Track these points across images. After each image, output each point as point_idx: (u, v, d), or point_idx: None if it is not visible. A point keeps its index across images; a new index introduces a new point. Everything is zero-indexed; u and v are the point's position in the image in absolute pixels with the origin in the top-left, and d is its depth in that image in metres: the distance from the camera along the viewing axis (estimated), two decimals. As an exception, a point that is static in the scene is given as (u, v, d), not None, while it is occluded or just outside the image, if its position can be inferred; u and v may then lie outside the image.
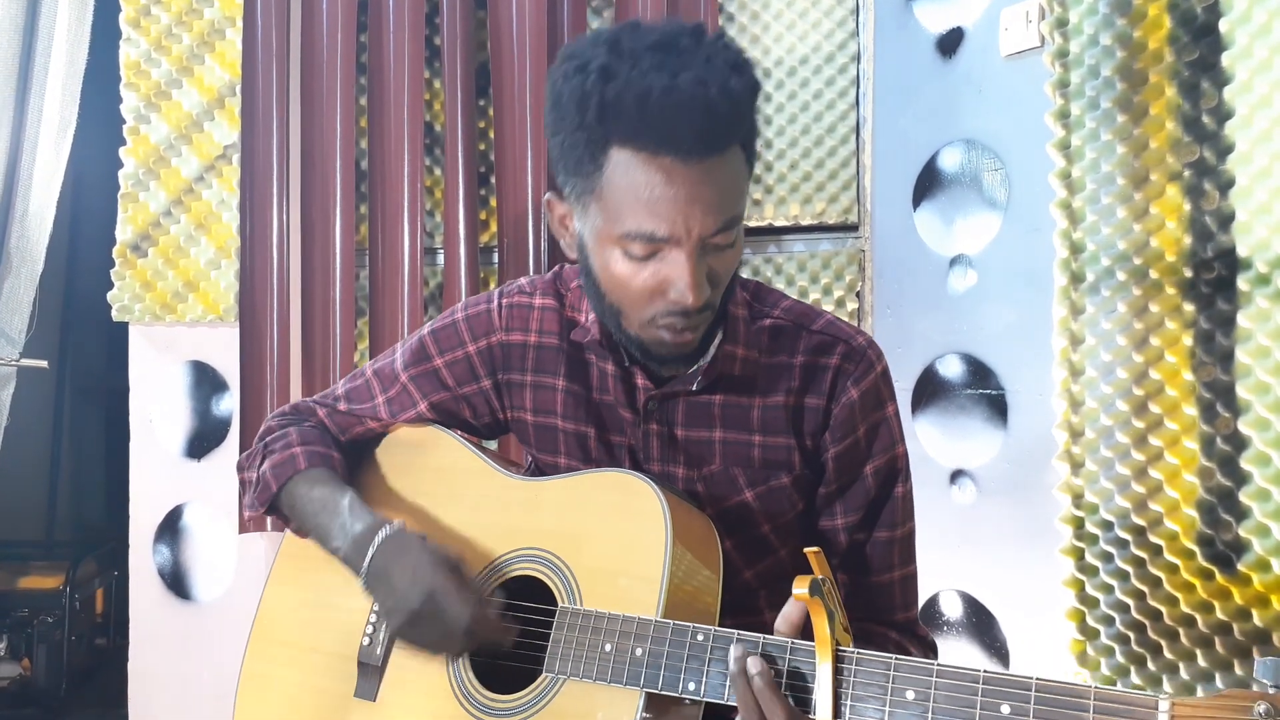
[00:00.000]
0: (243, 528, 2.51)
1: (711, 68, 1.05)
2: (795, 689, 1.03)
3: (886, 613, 1.28)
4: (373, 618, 1.31)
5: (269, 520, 2.48)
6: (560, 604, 1.18)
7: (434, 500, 1.35)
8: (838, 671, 1.00)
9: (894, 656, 0.99)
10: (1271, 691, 0.84)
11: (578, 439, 1.32)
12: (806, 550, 1.01)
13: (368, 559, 1.22)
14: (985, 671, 0.95)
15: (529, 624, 1.20)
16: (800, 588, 0.98)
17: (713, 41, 1.09)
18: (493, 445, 1.44)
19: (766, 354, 1.26)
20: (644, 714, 1.08)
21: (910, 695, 0.97)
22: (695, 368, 1.24)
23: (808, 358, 1.25)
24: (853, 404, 1.23)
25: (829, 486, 1.26)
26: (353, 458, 1.42)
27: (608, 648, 1.11)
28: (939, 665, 0.97)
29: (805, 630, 1.05)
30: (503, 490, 1.31)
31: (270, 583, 1.41)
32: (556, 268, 1.37)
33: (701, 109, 1.03)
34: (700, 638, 1.08)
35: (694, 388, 1.24)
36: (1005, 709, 0.93)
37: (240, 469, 1.44)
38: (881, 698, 0.98)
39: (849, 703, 0.99)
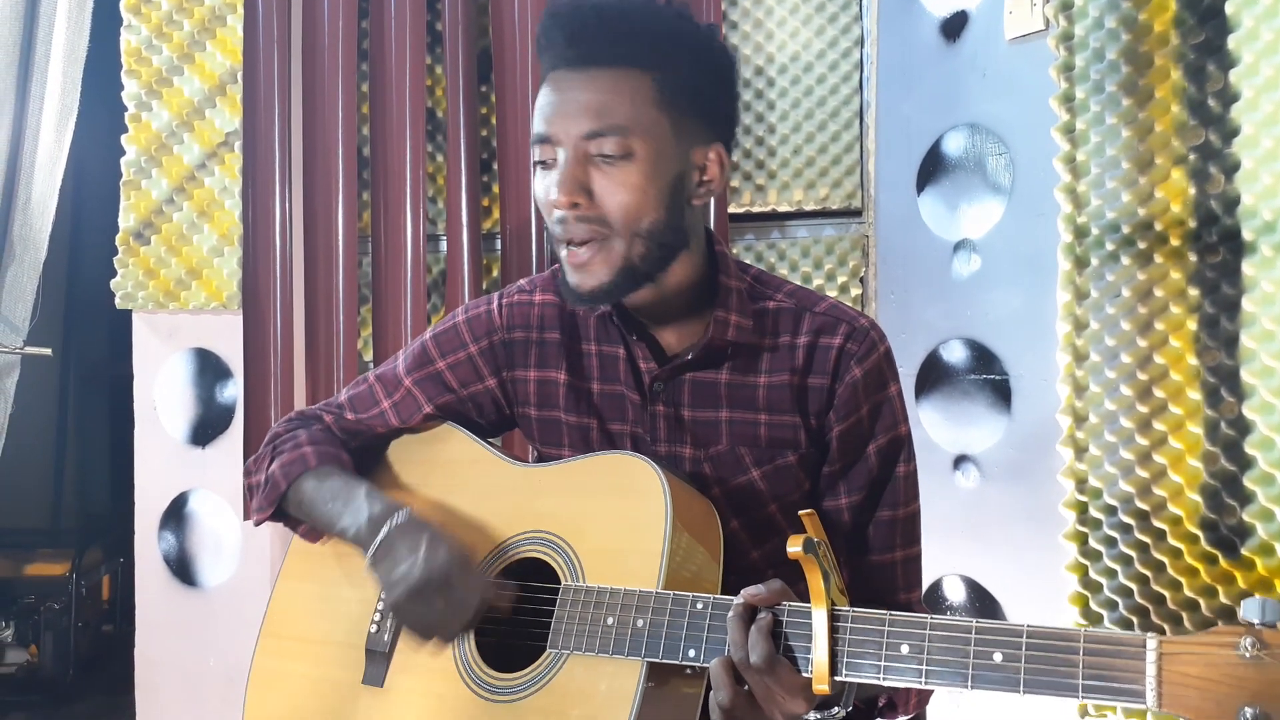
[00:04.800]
0: (248, 514, 2.51)
1: None
2: (790, 650, 1.03)
3: (888, 593, 1.29)
4: (380, 605, 1.31)
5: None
6: (564, 583, 1.19)
7: (442, 489, 1.37)
8: (834, 629, 1.01)
9: (889, 613, 1.01)
10: (1257, 627, 0.86)
11: (580, 431, 1.34)
12: (801, 513, 1.02)
13: (379, 538, 1.24)
14: (978, 622, 0.97)
15: (534, 603, 1.21)
16: (794, 546, 0.98)
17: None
18: (496, 441, 1.45)
19: (770, 335, 1.27)
20: (646, 684, 1.09)
21: (905, 649, 0.99)
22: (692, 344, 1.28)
23: (811, 338, 1.26)
24: (856, 383, 1.24)
25: (833, 466, 1.27)
26: (361, 455, 1.44)
27: (610, 621, 1.12)
28: (933, 619, 0.99)
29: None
30: (508, 477, 1.32)
31: (280, 578, 1.42)
32: (556, 264, 1.38)
33: (571, 16, 1.18)
34: (700, 606, 1.09)
35: (690, 358, 1.26)
36: (998, 656, 0.95)
37: (247, 473, 1.45)
38: (877, 652, 1.00)
39: (845, 658, 1.01)
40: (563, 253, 1.21)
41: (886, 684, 1.00)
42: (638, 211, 1.18)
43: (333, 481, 1.34)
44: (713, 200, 1.31)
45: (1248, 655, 0.85)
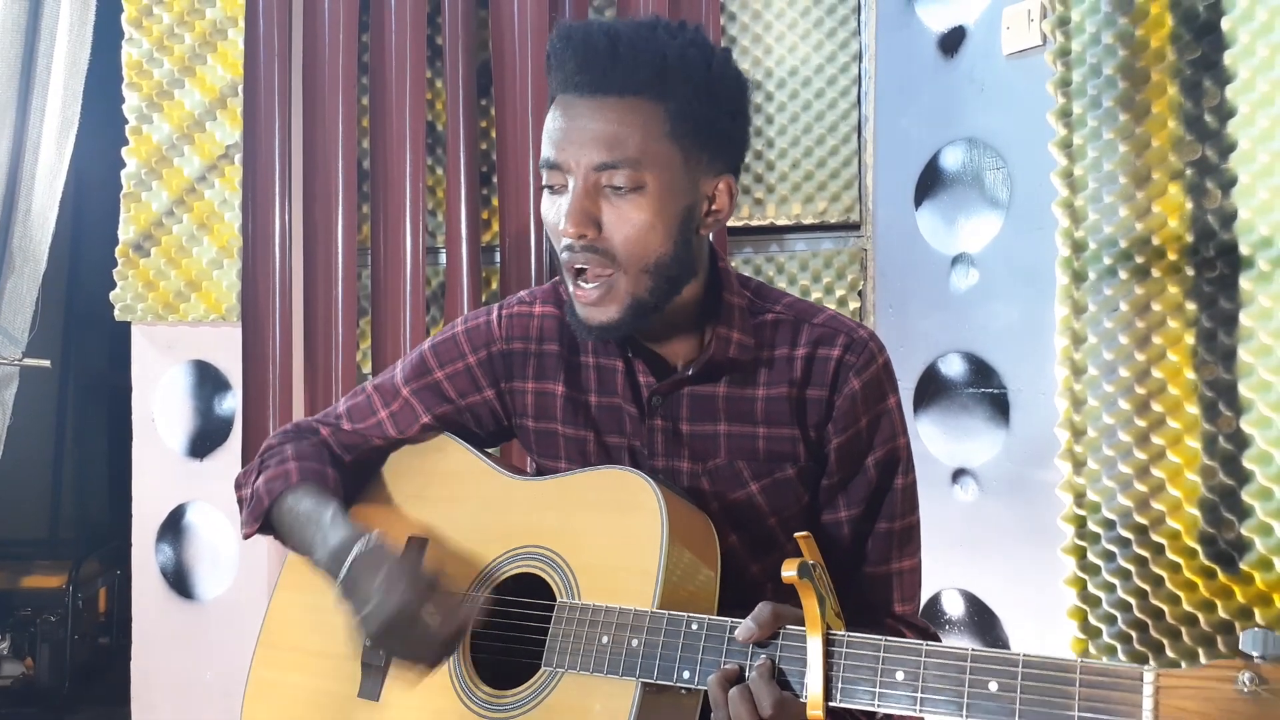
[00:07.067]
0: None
1: (620, 21, 1.18)
2: (784, 675, 1.04)
3: (884, 605, 1.29)
4: None
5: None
6: (559, 599, 1.18)
7: (439, 501, 1.36)
8: (828, 655, 1.00)
9: (884, 638, 1.00)
10: (1256, 661, 0.84)
11: (577, 444, 1.33)
12: (797, 535, 1.02)
13: (343, 570, 1.21)
14: (973, 650, 0.96)
15: (528, 620, 1.21)
16: (789, 570, 0.98)
17: (669, 22, 1.20)
18: (494, 451, 1.45)
19: (769, 347, 1.27)
20: (641, 704, 1.09)
21: (900, 675, 0.98)
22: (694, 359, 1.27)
23: (809, 349, 1.25)
24: (855, 395, 1.24)
25: (831, 479, 1.27)
26: (358, 469, 1.43)
27: (604, 640, 1.12)
28: (928, 646, 0.98)
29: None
30: (505, 490, 1.32)
31: (278, 589, 1.42)
32: (557, 276, 1.38)
33: (585, 42, 1.16)
34: (695, 627, 1.09)
35: (690, 373, 1.26)
36: (993, 685, 0.94)
37: (238, 486, 1.44)
38: (872, 679, 0.99)
39: (840, 684, 1.00)
40: (571, 287, 1.21)
41: (880, 711, 1.00)
42: (646, 245, 1.17)
43: (306, 504, 1.32)
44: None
45: (1246, 690, 0.83)
